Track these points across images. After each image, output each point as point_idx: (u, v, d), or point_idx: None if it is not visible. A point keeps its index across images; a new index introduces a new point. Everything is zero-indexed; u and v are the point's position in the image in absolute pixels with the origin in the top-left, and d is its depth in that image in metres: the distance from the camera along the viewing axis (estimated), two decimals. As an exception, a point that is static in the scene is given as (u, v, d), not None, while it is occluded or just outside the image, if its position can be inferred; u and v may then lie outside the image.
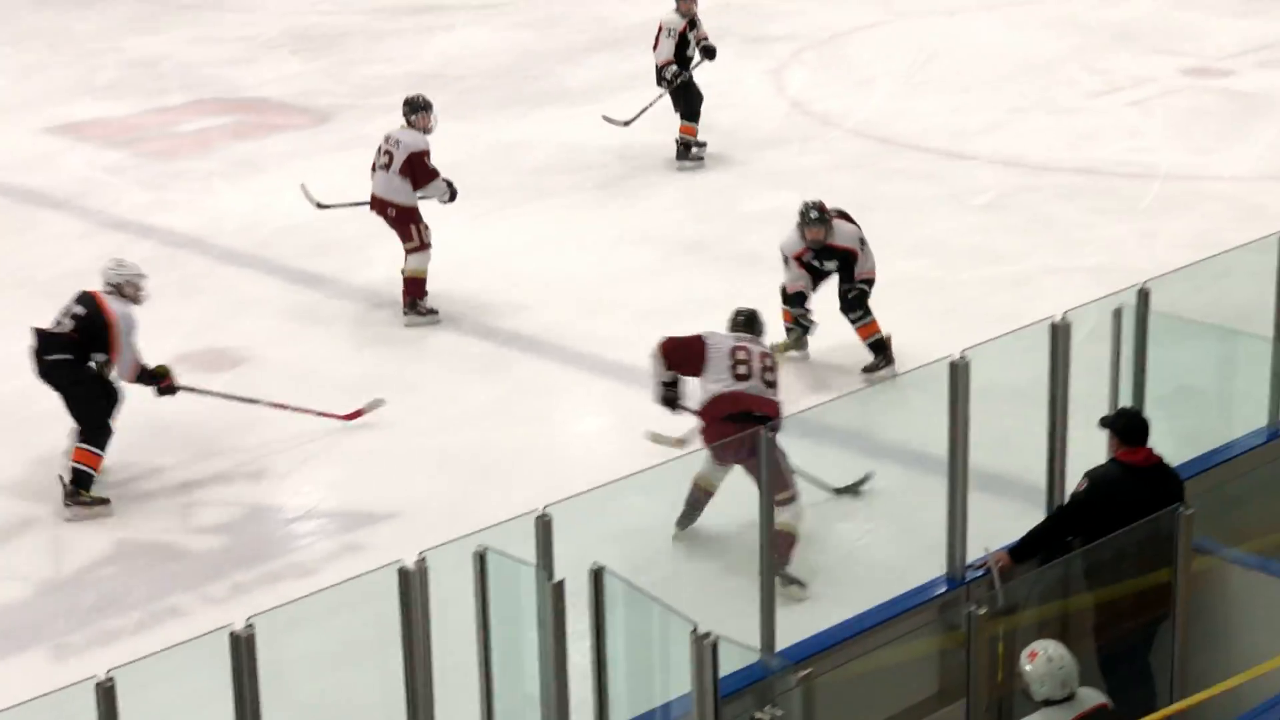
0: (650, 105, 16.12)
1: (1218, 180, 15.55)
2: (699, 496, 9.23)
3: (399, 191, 12.79)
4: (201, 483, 10.60)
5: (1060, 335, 8.34)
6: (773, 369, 9.51)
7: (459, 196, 13.09)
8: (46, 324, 10.35)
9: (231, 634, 5.97)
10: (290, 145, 17.10)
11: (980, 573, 8.01)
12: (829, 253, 11.88)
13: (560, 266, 13.94)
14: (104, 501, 10.24)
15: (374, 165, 12.98)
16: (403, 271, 12.89)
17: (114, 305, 10.28)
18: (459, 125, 17.36)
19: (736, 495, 7.61)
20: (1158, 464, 7.99)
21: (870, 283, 11.90)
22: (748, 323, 9.81)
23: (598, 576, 6.70)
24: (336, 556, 9.73)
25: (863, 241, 11.90)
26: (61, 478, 10.25)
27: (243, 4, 22.68)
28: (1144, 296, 8.93)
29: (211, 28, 21.58)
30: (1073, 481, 8.15)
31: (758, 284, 13.48)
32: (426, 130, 12.93)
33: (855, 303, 11.81)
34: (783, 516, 8.58)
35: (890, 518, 9.67)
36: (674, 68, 16.01)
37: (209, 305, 13.30)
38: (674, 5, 16.28)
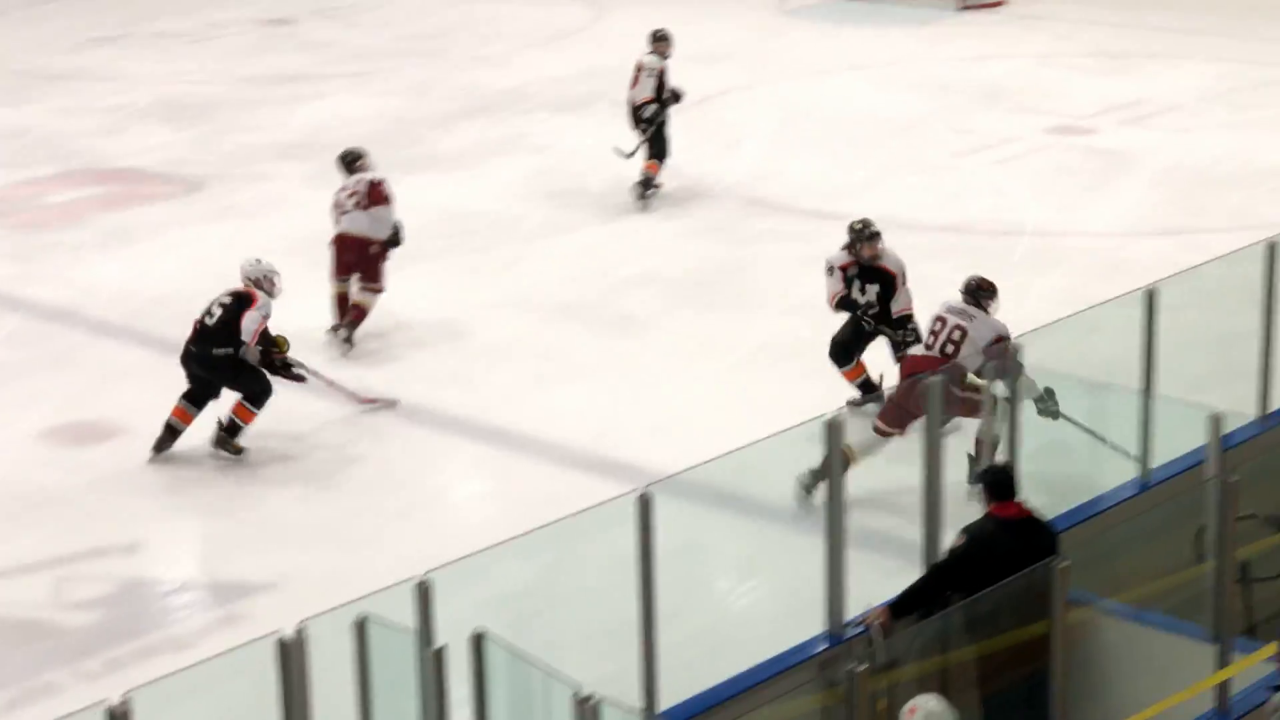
0: (645, 140, 16.47)
1: (1083, 236, 15.77)
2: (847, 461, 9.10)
3: (376, 227, 13.57)
4: (74, 556, 10.47)
5: (933, 391, 8.41)
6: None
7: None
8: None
9: (107, 710, 5.90)
10: (161, 215, 16.98)
11: (860, 630, 8.05)
12: (873, 274, 11.85)
13: (436, 331, 13.89)
14: (243, 450, 11.58)
15: (340, 211, 13.65)
16: (356, 305, 13.53)
17: (258, 294, 11.75)
18: (330, 194, 17.29)
19: (622, 559, 7.62)
20: (1030, 517, 8.07)
21: (909, 318, 11.82)
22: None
23: (478, 642, 6.67)
24: (214, 629, 9.63)
25: (904, 274, 11.91)
26: (220, 421, 11.55)
27: (111, 74, 22.52)
28: (1015, 352, 9.04)
29: (80, 98, 21.41)
30: (949, 537, 8.22)
31: (632, 346, 13.56)
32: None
33: (904, 347, 11.57)
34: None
35: (770, 576, 9.70)
36: (653, 106, 16.51)
37: (81, 377, 13.16)
38: (650, 48, 16.80)
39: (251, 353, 11.54)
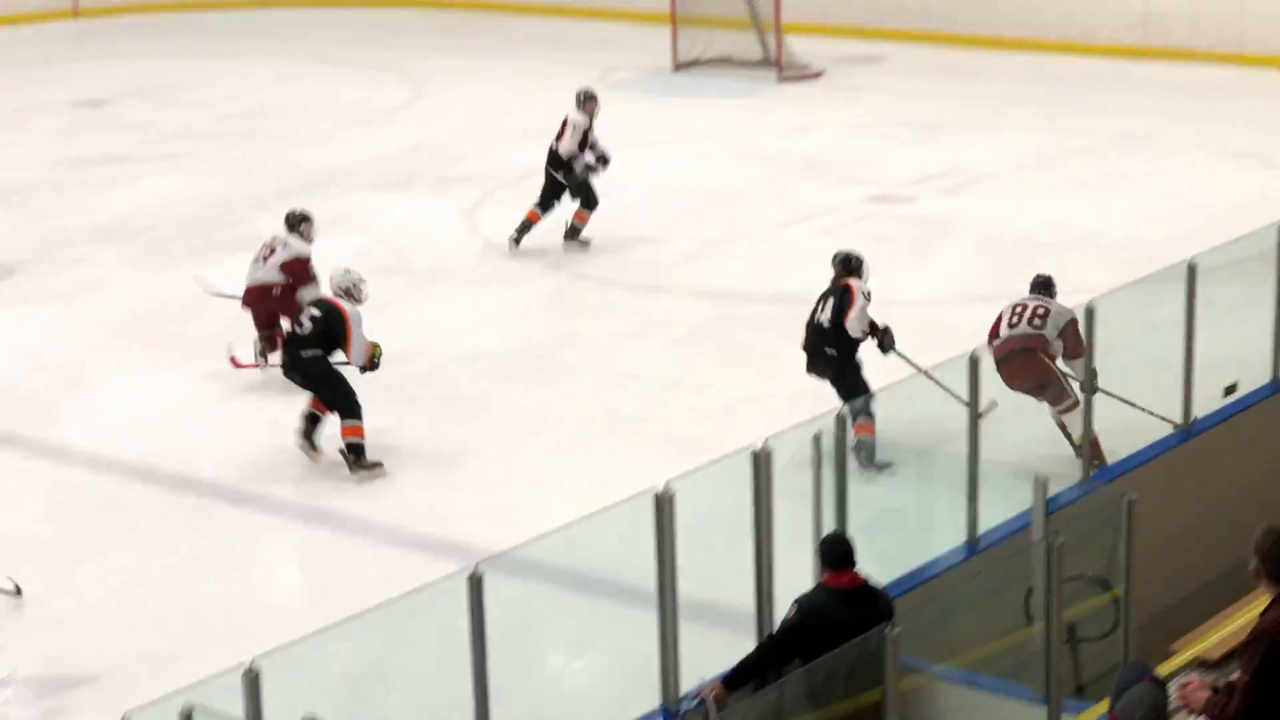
0: (587, 179, 17.40)
1: (906, 304, 15.90)
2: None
3: (269, 275, 14.29)
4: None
5: (762, 463, 8.42)
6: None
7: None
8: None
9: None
10: (-24, 301, 16.67)
11: (694, 703, 8.01)
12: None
13: (261, 414, 13.72)
14: (379, 465, 12.45)
15: (255, 260, 14.43)
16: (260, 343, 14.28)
17: (345, 305, 12.61)
18: (151, 275, 17.12)
19: (455, 639, 7.53)
20: (864, 586, 8.08)
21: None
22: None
23: (309, 729, 6.55)
24: (35, 725, 9.40)
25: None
26: (341, 452, 12.40)
27: (-79, 159, 22.12)
28: (842, 421, 9.08)
29: (-110, 184, 21.00)
30: (782, 608, 8.21)
31: (462, 423, 13.48)
32: (309, 240, 14.40)
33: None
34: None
35: (604, 651, 9.64)
36: (584, 160, 17.32)
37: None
38: (578, 106, 17.53)
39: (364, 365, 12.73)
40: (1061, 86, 24.29)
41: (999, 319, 12.01)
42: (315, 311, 12.66)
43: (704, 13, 26.21)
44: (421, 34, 29.56)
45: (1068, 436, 11.43)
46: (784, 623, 8.04)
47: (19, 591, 10.73)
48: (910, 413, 11.35)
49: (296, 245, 14.40)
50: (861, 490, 9.63)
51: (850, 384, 11.96)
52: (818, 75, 25.42)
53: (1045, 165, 20.32)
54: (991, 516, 9.78)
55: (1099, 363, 10.77)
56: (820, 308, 12.34)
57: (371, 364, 12.81)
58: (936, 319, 15.42)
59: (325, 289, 13.22)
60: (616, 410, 13.60)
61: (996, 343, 11.80)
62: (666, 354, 14.81)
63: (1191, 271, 11.02)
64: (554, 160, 17.40)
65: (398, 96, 24.77)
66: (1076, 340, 11.42)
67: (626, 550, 9.76)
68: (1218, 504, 11.30)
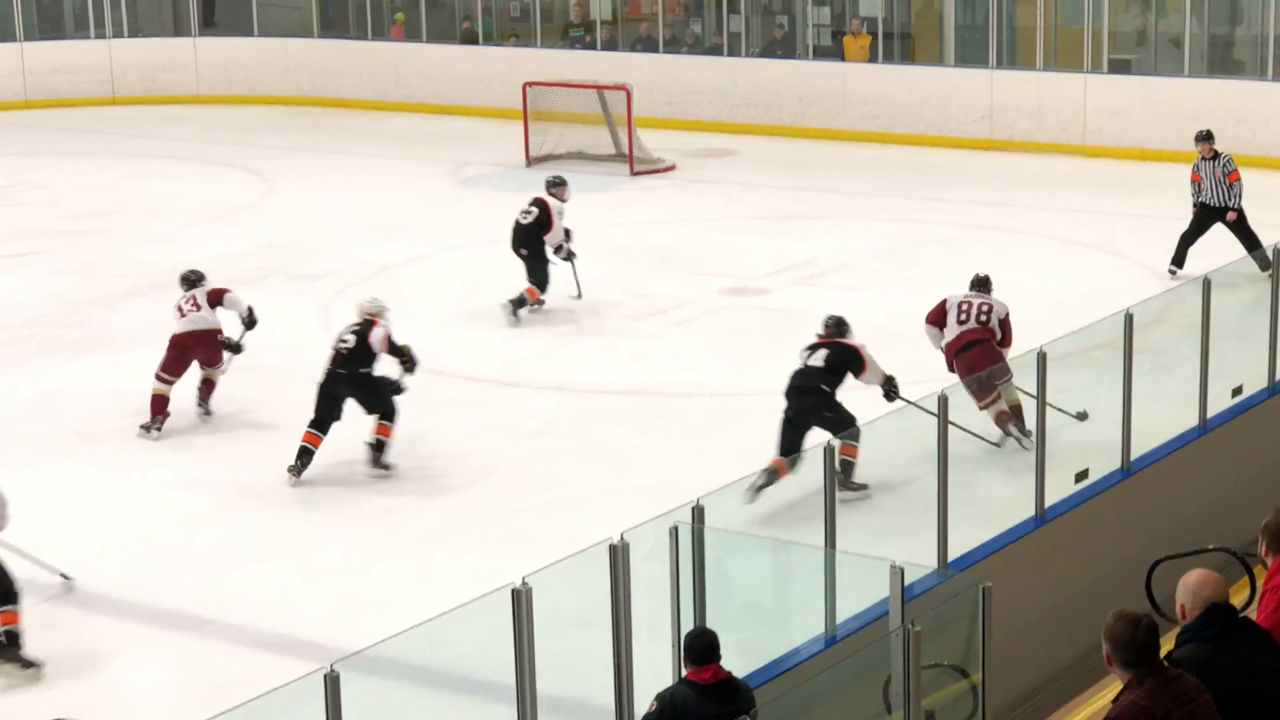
0: (574, 269, 18.42)
1: (762, 395, 15.97)
2: None
3: (208, 320, 15.65)
4: None
5: (619, 556, 8.39)
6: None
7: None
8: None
9: None
10: None
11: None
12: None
13: (112, 516, 13.54)
14: (391, 467, 14.13)
15: (179, 313, 15.67)
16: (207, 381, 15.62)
17: (380, 320, 14.44)
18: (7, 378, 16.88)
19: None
20: (726, 680, 8.05)
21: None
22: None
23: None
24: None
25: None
26: (369, 445, 14.13)
27: None
28: (698, 513, 9.07)
29: None
30: (641, 701, 8.16)
31: (316, 525, 13.35)
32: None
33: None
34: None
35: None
36: (568, 247, 18.41)
37: None
38: (550, 193, 18.49)
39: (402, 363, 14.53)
40: (911, 178, 24.61)
41: (943, 311, 14.19)
42: (352, 334, 14.47)
43: (556, 108, 26.35)
44: (271, 131, 29.46)
45: (1005, 428, 13.17)
46: (645, 718, 7.99)
47: (67, 579, 12.15)
48: (767, 503, 11.38)
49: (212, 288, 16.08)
50: (719, 582, 9.61)
51: (841, 415, 12.92)
52: (670, 169, 25.60)
53: (896, 256, 20.55)
54: (849, 606, 9.80)
55: (953, 451, 10.84)
56: (810, 355, 13.54)
57: (410, 362, 14.63)
58: (791, 410, 15.50)
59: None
60: (472, 505, 13.53)
61: (952, 338, 14.06)
62: (521, 448, 14.77)
63: (1041, 360, 11.15)
64: (530, 242, 18.24)
65: (248, 194, 24.64)
66: (1009, 332, 14.05)
67: (484, 646, 9.70)
68: (1071, 590, 11.40)
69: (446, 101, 30.38)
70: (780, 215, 22.57)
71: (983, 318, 14.02)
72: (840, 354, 13.46)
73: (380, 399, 14.35)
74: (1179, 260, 19.07)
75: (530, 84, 26.34)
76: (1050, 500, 11.34)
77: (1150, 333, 12.92)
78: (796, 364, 13.44)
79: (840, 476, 11.24)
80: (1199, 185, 19.16)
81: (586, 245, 20.35)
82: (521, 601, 7.90)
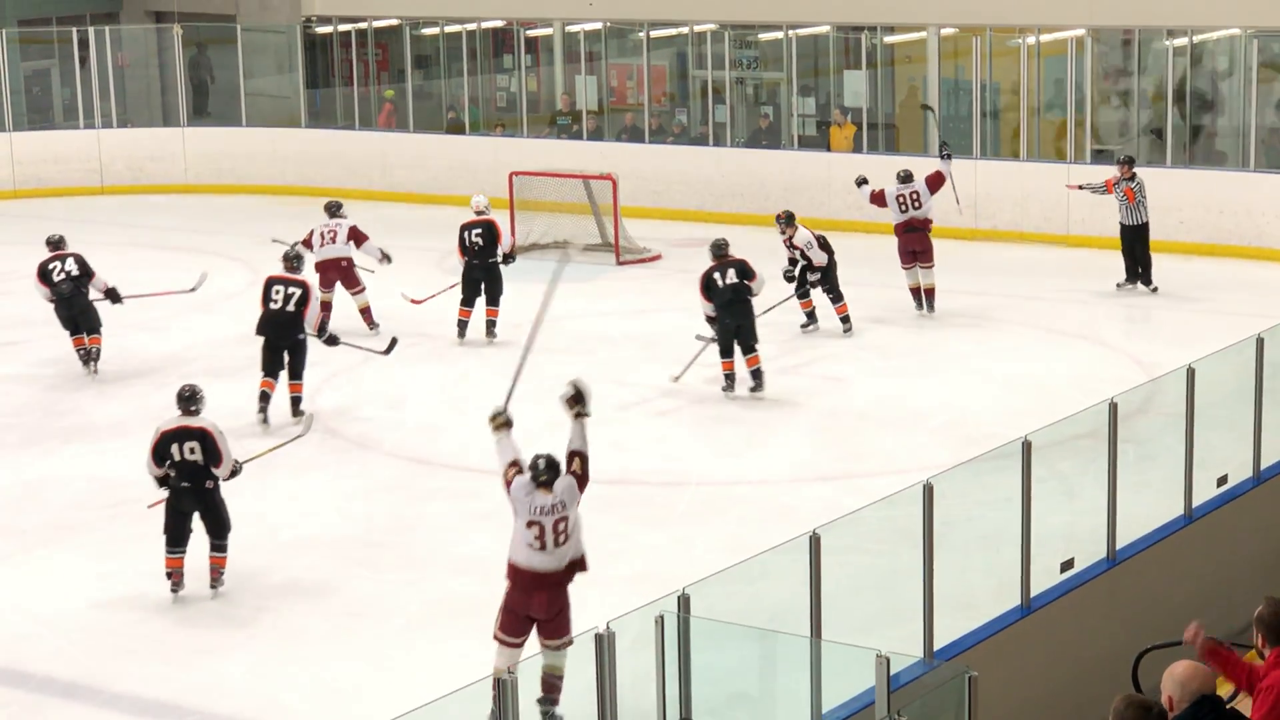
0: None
1: (746, 484, 16.01)
2: None
3: (341, 250, 21.05)
4: None
5: (604, 645, 8.38)
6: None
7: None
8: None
9: None
10: None
11: None
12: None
13: (97, 606, 13.49)
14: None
15: (320, 239, 21.25)
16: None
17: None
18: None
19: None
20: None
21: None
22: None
23: None
24: None
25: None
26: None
27: None
28: (684, 602, 9.07)
29: None
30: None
31: (300, 613, 13.31)
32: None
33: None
34: None
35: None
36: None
37: None
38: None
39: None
40: (894, 268, 24.66)
41: (881, 196, 21.67)
42: (480, 229, 20.31)
43: (542, 198, 26.45)
44: (258, 220, 29.50)
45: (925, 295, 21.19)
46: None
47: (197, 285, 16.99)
48: (752, 592, 11.36)
49: (346, 221, 21.24)
50: (706, 671, 9.59)
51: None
52: (656, 258, 25.66)
53: (881, 345, 20.60)
54: (835, 695, 9.78)
55: (938, 540, 10.83)
56: (725, 276, 18.38)
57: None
58: (775, 499, 15.53)
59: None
60: (457, 594, 13.50)
61: (899, 222, 21.57)
62: (507, 538, 14.72)
63: (1026, 449, 11.17)
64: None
65: (236, 282, 24.66)
66: (937, 185, 21.66)
67: None
68: (1057, 680, 11.39)
69: (433, 191, 30.47)
70: (765, 304, 22.60)
71: (919, 205, 21.32)
72: (742, 266, 18.44)
73: (499, 285, 20.59)
74: (1132, 276, 22.55)
75: (516, 174, 26.44)
76: (1035, 589, 11.33)
77: (1134, 422, 12.97)
78: (721, 286, 18.25)
79: (757, 384, 16.47)
80: (1134, 203, 22.39)
81: (573, 333, 20.41)
82: (507, 691, 7.88)
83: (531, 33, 31.47)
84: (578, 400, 11.89)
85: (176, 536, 13.55)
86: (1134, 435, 12.87)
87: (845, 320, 20.88)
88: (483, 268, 20.63)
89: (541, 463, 11.45)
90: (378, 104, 32.72)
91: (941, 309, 22.06)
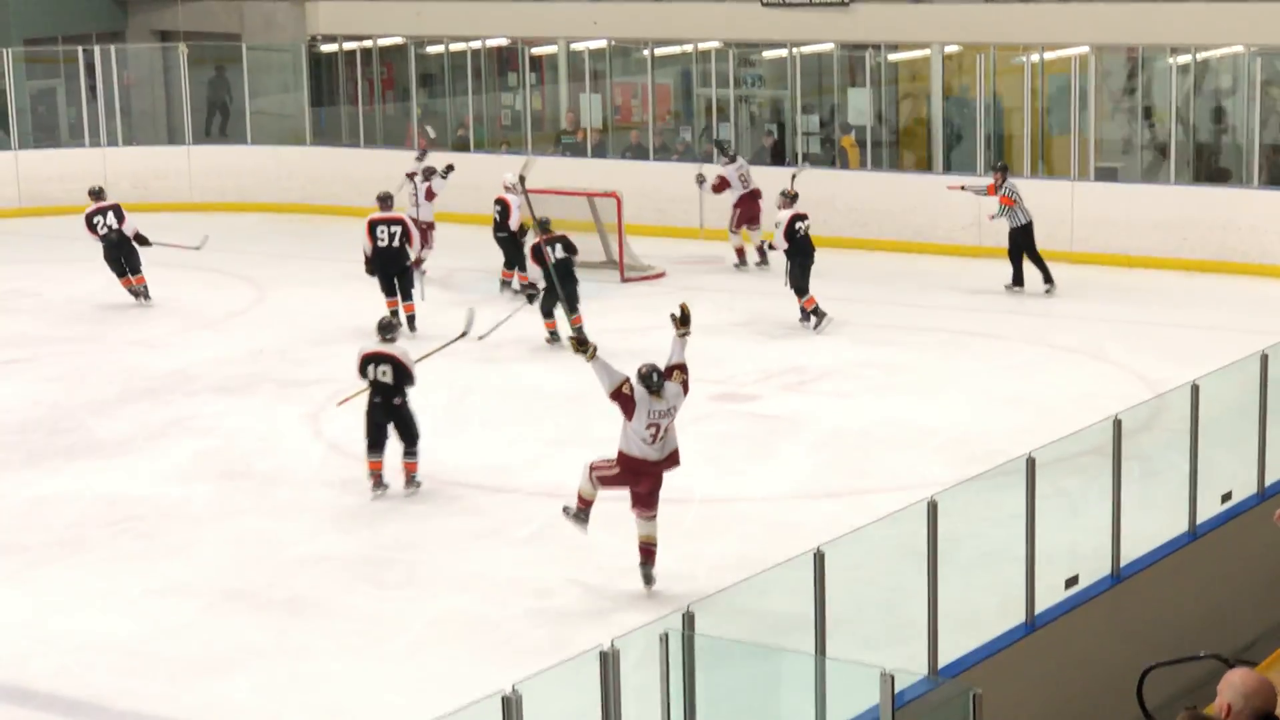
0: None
1: (751, 501, 16.01)
2: None
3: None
4: None
5: (609, 663, 8.37)
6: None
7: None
8: None
9: None
10: None
11: None
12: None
13: (100, 623, 13.50)
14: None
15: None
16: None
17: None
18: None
19: None
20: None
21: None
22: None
23: None
24: None
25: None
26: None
27: None
28: (689, 620, 9.06)
29: None
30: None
31: (305, 630, 13.32)
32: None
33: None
34: None
35: None
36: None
37: None
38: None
39: None
40: (899, 285, 24.73)
41: (724, 181, 25.69)
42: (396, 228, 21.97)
43: (547, 215, 26.44)
44: (263, 238, 29.58)
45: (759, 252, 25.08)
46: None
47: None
48: (757, 610, 11.36)
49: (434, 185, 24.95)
50: (710, 689, 9.58)
51: None
52: (660, 276, 25.68)
53: (883, 362, 20.60)
54: (839, 713, 9.77)
55: (943, 557, 10.83)
56: (555, 250, 20.84)
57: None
58: (778, 517, 15.52)
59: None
60: (463, 612, 13.50)
61: (744, 193, 25.37)
62: (512, 555, 14.75)
63: (1031, 466, 11.17)
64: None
65: (241, 300, 24.71)
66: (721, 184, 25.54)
67: None
68: (1062, 697, 11.38)
69: (438, 208, 30.48)
70: (769, 322, 22.63)
71: (748, 180, 25.57)
72: (566, 240, 21.24)
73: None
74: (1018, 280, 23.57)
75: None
76: (1040, 606, 11.33)
77: (1139, 438, 12.96)
78: (555, 259, 20.57)
79: (575, 339, 14.94)
80: (1013, 207, 23.55)
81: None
82: (511, 709, 7.88)
83: (536, 51, 31.50)
84: (684, 321, 14.33)
85: (375, 443, 16.05)
86: (1138, 452, 12.87)
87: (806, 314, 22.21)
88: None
89: (655, 375, 13.87)
90: (381, 124, 32.74)
91: (945, 326, 22.07)
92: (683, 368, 14.07)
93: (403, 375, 15.94)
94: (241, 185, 32.24)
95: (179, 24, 34.58)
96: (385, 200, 22.37)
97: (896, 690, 8.93)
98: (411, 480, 16.12)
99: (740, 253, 26.01)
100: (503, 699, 7.88)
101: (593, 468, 14.18)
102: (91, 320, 23.71)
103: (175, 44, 33.49)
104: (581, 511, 14.19)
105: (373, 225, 21.95)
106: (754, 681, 10.38)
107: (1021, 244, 23.76)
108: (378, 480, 16.02)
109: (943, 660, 10.62)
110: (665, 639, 8.96)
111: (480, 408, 19.02)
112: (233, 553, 14.96)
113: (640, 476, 13.85)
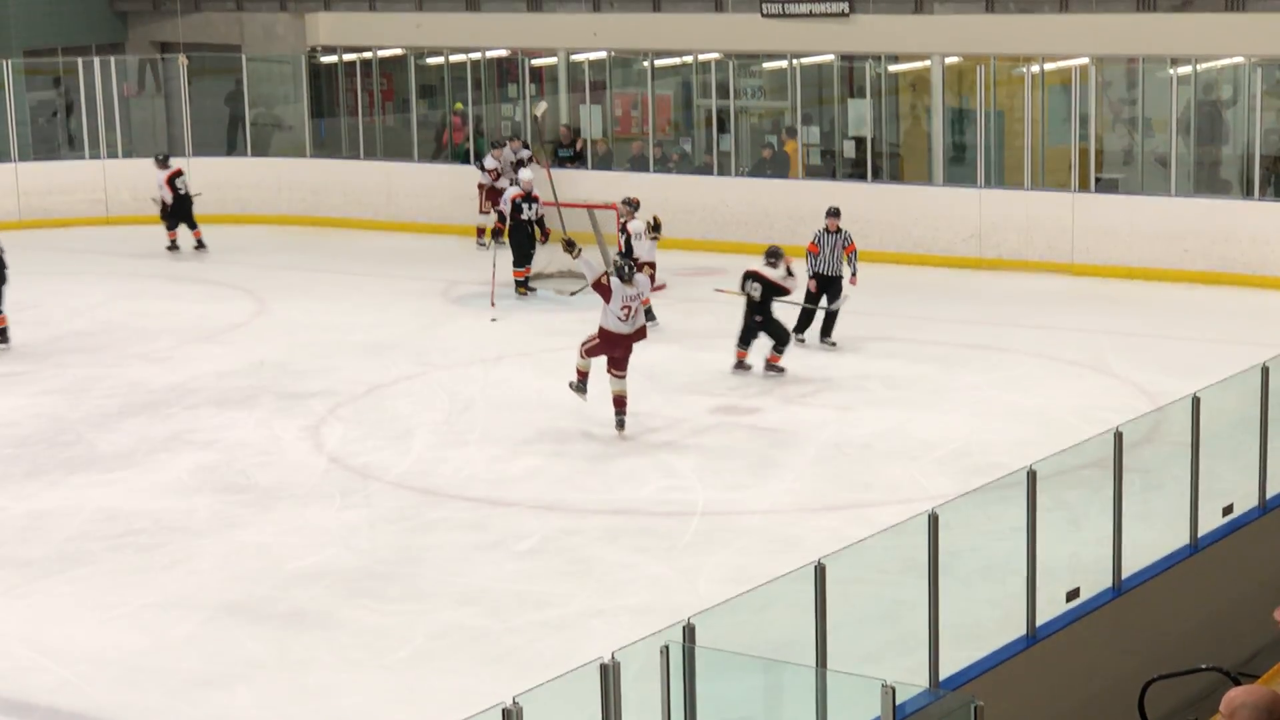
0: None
1: (752, 514, 16.00)
2: None
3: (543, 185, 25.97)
4: None
5: (610, 675, 8.36)
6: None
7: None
8: None
9: None
10: None
11: None
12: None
13: (100, 637, 13.49)
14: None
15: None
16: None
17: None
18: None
19: None
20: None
21: None
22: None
23: None
24: None
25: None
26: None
27: None
28: (689, 632, 9.05)
29: None
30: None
31: (306, 643, 13.31)
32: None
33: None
34: None
35: None
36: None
37: None
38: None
39: None
40: (899, 297, 24.71)
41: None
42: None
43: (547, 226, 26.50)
44: (263, 250, 29.59)
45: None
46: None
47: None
48: (757, 623, 11.35)
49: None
50: (711, 702, 9.57)
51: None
52: (660, 288, 25.66)
53: (884, 375, 20.60)
54: (841, 727, 9.77)
55: (943, 570, 10.82)
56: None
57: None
58: (780, 529, 15.52)
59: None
60: (462, 626, 13.49)
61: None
62: (512, 568, 14.75)
63: (1031, 478, 11.16)
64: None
65: (240, 313, 24.71)
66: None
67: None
68: (1063, 709, 11.36)
69: (438, 220, 30.54)
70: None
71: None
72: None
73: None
74: (802, 328, 21.75)
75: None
76: (1041, 619, 11.31)
77: (1140, 451, 12.95)
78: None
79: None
80: (817, 257, 21.86)
81: (572, 363, 20.43)
82: (588, 380, 7.85)
83: (536, 62, 31.52)
84: (657, 229, 21.57)
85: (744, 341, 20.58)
86: (1139, 465, 12.85)
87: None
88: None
89: (628, 268, 18.08)
90: (381, 134, 32.78)
91: (946, 338, 22.07)
92: (652, 265, 20.83)
93: (770, 290, 20.17)
94: (241, 197, 32.26)
95: (179, 35, 34.60)
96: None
97: (898, 703, 8.91)
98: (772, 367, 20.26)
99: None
100: (503, 711, 7.87)
101: (582, 344, 18.32)
102: (91, 333, 23.71)
103: (175, 55, 33.51)
104: (580, 382, 18.30)
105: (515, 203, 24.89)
106: (755, 694, 10.37)
107: (820, 288, 21.98)
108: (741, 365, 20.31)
109: (944, 673, 10.61)
110: (666, 651, 8.95)
111: (481, 420, 19.01)
112: (233, 566, 14.95)
113: (615, 345, 18.02)
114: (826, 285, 21.90)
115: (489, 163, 28.67)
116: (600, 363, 18.37)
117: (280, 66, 33.88)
